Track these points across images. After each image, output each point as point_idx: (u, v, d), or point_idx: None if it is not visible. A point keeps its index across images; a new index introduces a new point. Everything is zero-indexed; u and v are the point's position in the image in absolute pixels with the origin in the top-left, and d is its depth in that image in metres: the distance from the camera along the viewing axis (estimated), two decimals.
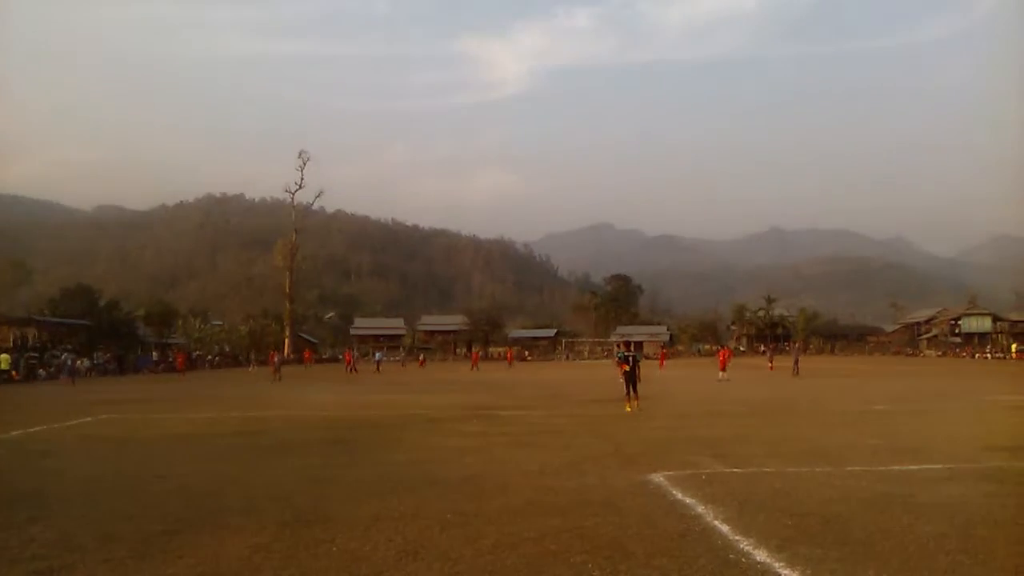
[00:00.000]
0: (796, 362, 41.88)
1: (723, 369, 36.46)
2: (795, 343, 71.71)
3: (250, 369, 62.96)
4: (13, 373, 41.44)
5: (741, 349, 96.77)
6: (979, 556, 5.94)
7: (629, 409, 18.86)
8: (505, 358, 75.65)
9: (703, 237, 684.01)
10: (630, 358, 19.66)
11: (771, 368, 48.91)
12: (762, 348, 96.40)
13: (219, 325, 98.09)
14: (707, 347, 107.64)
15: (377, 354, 66.06)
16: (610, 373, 29.07)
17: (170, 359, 62.30)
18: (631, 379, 19.23)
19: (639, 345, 79.46)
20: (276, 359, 45.00)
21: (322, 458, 11.64)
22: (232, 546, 6.41)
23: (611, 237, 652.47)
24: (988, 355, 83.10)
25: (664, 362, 39.35)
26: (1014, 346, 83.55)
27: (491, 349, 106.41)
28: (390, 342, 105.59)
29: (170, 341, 78.98)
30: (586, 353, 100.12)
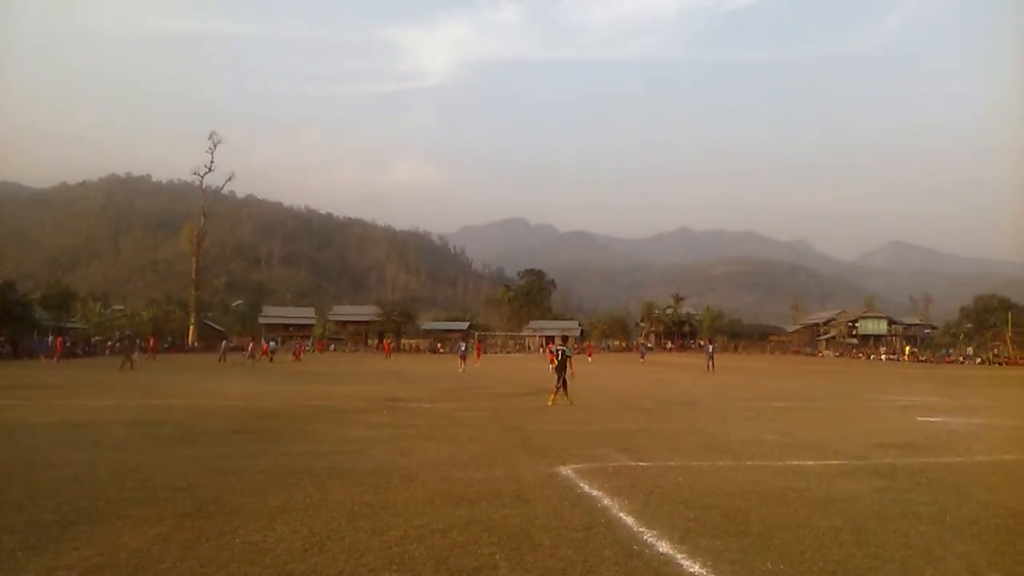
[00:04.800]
0: (711, 359, 43.54)
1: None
2: (710, 341, 73.51)
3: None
4: None
5: (648, 346, 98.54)
6: (870, 549, 6.21)
7: (550, 403, 19.05)
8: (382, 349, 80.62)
9: (615, 235, 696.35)
10: (560, 352, 19.99)
11: (642, 362, 51.89)
12: (638, 343, 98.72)
13: (120, 310, 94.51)
14: (616, 343, 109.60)
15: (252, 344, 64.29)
16: (520, 365, 29.24)
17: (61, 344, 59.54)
18: (560, 372, 19.49)
19: (564, 340, 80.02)
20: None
21: (226, 448, 11.35)
22: (130, 537, 6.20)
23: (525, 232, 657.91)
24: (883, 356, 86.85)
25: (592, 354, 41.70)
26: (907, 348, 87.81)
27: (404, 341, 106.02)
28: (300, 332, 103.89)
29: (68, 325, 75.77)
30: (499, 347, 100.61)
